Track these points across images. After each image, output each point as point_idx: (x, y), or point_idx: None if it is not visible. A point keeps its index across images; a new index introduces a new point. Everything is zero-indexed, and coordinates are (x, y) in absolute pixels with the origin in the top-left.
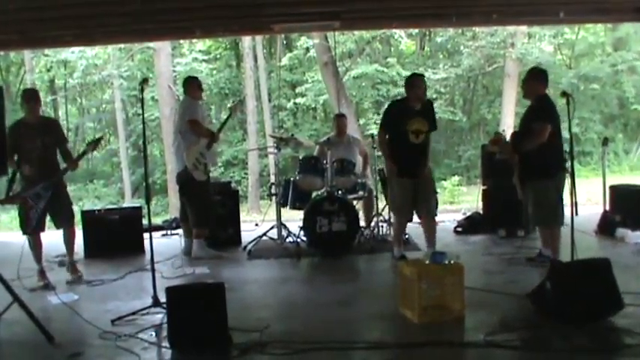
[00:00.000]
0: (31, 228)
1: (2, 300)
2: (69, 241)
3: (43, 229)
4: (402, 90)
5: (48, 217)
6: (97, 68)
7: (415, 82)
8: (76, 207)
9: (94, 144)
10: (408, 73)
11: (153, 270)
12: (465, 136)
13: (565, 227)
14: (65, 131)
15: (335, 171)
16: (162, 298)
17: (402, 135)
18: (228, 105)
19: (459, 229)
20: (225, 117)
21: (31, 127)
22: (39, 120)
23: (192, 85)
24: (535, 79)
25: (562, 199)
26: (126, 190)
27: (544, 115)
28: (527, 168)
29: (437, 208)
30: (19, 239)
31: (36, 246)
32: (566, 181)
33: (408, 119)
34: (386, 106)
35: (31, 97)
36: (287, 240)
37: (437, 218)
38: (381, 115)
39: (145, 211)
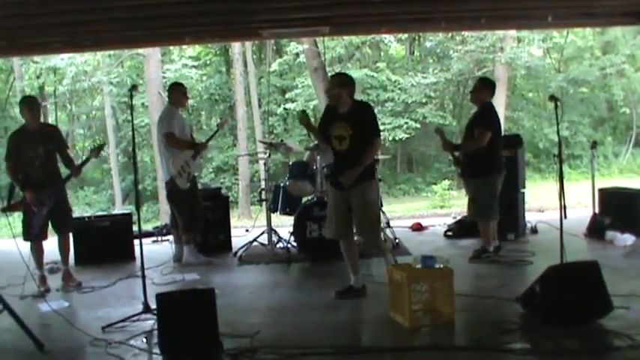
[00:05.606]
0: (34, 234)
1: None
2: (64, 247)
3: (45, 237)
4: (392, 94)
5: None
6: (86, 75)
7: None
8: None
9: (97, 150)
10: (398, 78)
11: (143, 276)
12: (455, 140)
13: (555, 230)
14: None
15: (325, 176)
16: (153, 305)
17: (329, 140)
18: (217, 121)
19: (449, 233)
20: (213, 131)
21: (33, 134)
22: (40, 127)
23: (176, 91)
24: (484, 87)
25: (495, 197)
26: (116, 196)
27: (486, 122)
28: (467, 167)
29: (377, 234)
30: (8, 246)
31: (37, 252)
32: (500, 181)
33: (332, 123)
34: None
35: (30, 105)
36: (277, 245)
37: (426, 222)
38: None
39: (135, 217)
